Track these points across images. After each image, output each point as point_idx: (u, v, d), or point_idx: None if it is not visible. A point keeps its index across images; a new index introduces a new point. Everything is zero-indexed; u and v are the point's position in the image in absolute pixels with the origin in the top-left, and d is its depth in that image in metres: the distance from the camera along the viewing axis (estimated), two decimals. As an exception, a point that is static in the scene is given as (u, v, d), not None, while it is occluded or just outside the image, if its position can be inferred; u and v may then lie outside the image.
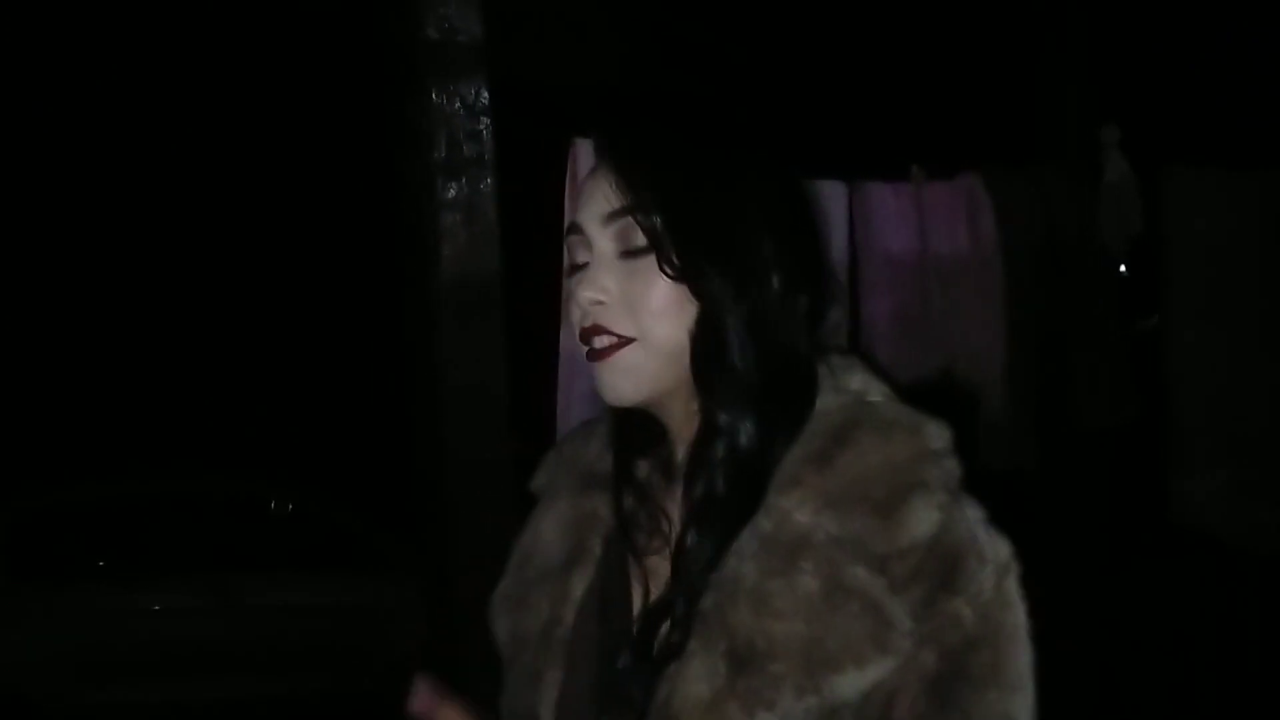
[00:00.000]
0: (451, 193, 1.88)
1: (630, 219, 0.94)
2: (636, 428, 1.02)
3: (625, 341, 0.95)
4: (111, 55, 6.18)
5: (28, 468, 7.11)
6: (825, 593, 0.87)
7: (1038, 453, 2.87)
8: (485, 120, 1.90)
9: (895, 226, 2.72)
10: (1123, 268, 3.21)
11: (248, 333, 9.87)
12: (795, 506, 0.90)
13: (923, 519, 0.88)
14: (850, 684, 0.85)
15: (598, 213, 0.96)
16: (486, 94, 1.90)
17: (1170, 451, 3.10)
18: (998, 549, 0.91)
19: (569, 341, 1.99)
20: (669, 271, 0.93)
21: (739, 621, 0.88)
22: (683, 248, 0.93)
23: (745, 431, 0.93)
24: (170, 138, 8.30)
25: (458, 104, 1.87)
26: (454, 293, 1.87)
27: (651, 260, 0.93)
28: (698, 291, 0.93)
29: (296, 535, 6.09)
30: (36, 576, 5.62)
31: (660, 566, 0.97)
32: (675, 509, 0.99)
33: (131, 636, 5.53)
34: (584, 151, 1.98)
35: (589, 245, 0.97)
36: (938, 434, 0.94)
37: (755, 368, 0.93)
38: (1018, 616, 0.90)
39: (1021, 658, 0.89)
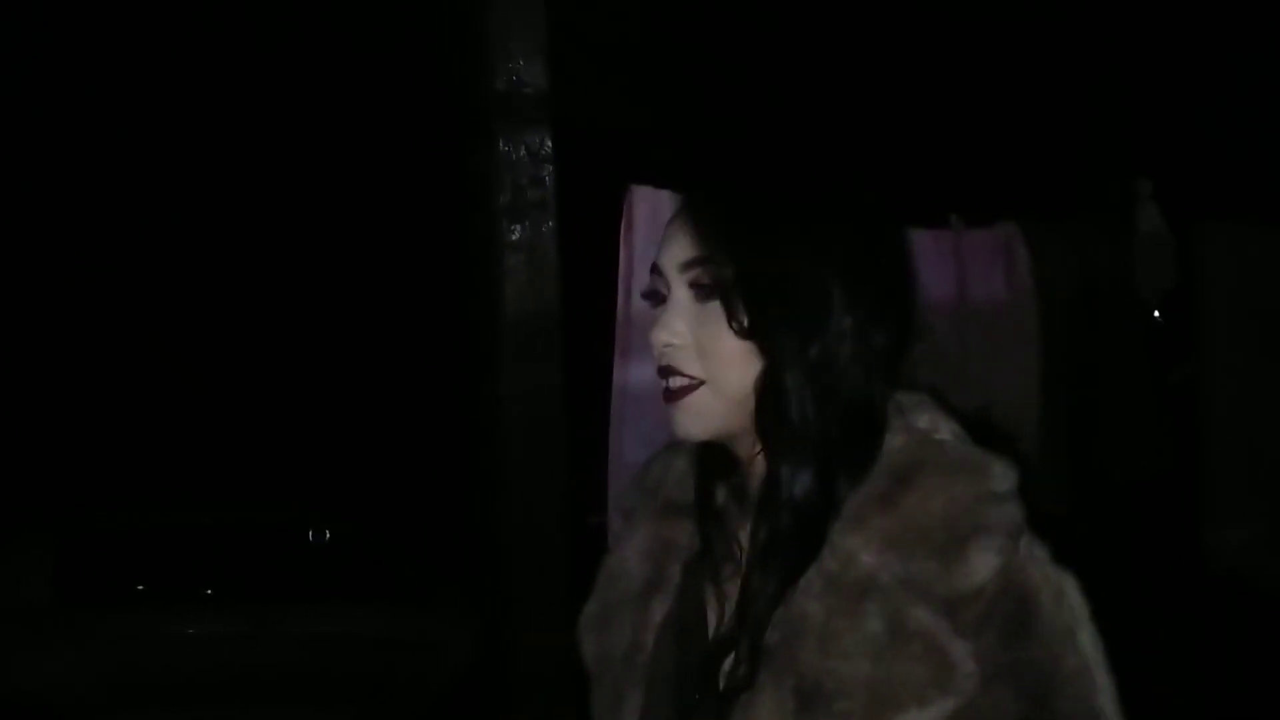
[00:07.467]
0: (515, 235, 1.96)
1: (704, 269, 0.98)
2: (716, 454, 1.05)
3: (696, 384, 0.99)
4: (172, 86, 6.33)
5: (76, 493, 7.19)
6: (889, 634, 0.89)
7: (1070, 501, 2.89)
8: (548, 166, 1.99)
9: (933, 272, 2.76)
10: (1156, 313, 3.24)
11: (303, 364, 9.93)
12: (861, 547, 0.92)
13: (983, 563, 0.90)
14: None
15: (676, 259, 1.00)
16: (550, 142, 2.00)
17: (1204, 502, 3.12)
18: (1065, 587, 0.93)
19: (622, 377, 2.06)
20: (735, 327, 0.97)
21: (806, 659, 0.91)
22: (751, 304, 0.96)
23: (802, 483, 0.95)
24: (236, 174, 8.46)
25: (523, 151, 1.96)
26: (515, 331, 1.95)
27: (722, 310, 0.97)
28: (763, 348, 0.96)
29: (341, 565, 6.12)
30: (81, 600, 5.69)
31: (735, 593, 1.00)
32: (747, 538, 1.01)
33: (172, 662, 5.58)
34: (640, 197, 2.07)
35: (667, 287, 1.01)
36: (1002, 475, 0.95)
37: (816, 419, 0.95)
38: (1097, 653, 0.92)
39: (1107, 694, 0.92)
